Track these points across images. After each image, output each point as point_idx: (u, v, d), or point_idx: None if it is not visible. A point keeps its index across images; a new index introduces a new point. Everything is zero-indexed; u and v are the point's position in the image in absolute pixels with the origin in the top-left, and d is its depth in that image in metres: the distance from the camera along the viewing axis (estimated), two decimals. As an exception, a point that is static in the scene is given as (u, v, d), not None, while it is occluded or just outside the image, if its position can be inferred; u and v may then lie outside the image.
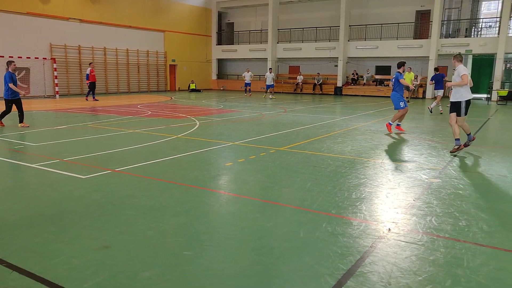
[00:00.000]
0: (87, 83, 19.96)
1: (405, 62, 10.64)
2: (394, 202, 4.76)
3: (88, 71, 19.77)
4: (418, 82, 25.43)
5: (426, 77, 26.06)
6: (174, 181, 5.52)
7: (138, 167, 6.27)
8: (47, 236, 3.65)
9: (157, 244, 3.51)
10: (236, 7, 34.35)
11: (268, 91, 24.72)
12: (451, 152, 7.66)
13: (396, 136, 9.78)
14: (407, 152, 7.83)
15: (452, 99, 7.76)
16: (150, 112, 14.89)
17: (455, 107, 7.65)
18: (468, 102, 7.60)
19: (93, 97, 19.86)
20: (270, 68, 25.33)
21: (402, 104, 10.23)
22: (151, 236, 3.68)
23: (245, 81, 26.31)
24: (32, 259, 3.18)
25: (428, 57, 25.60)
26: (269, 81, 24.09)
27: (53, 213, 4.25)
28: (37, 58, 22.17)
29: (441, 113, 15.77)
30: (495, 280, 2.96)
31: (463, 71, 7.46)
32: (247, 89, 26.39)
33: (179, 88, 32.14)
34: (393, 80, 10.32)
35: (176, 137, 9.17)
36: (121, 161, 6.65)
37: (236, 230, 3.90)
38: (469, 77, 7.60)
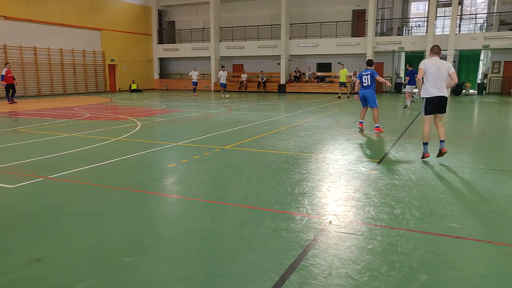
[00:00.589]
0: (3, 84, 18.56)
1: (373, 60, 10.58)
2: (335, 195, 4.91)
3: (3, 72, 18.35)
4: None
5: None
6: (114, 186, 5.31)
7: (74, 172, 5.95)
8: (-29, 252, 3.36)
9: (95, 253, 3.35)
10: (176, 5, 33.74)
11: (223, 90, 23.81)
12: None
13: (337, 131, 10.11)
14: (347, 146, 8.13)
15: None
16: (88, 115, 14.22)
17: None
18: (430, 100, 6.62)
19: (12, 100, 18.65)
20: (223, 66, 23.99)
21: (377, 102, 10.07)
22: (88, 245, 3.51)
23: (193, 81, 25.44)
24: (-48, 279, 2.91)
25: (366, 54, 26.76)
26: (223, 80, 23.15)
27: (-22, 227, 3.92)
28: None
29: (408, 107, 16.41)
30: (425, 262, 3.15)
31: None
32: (194, 88, 25.76)
33: (119, 88, 31.02)
34: (368, 77, 9.87)
35: (116, 140, 8.83)
36: (56, 168, 6.28)
37: (180, 232, 3.83)
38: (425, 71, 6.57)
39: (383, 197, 4.81)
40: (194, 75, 25.41)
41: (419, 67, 6.63)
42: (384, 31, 28.71)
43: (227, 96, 23.04)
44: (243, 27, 30.98)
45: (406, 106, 16.72)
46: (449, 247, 3.46)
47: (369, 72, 9.87)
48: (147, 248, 3.43)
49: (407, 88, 16.93)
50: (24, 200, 4.74)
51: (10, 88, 18.52)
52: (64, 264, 3.16)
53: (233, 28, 31.40)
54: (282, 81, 29.45)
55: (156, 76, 34.47)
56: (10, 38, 23.26)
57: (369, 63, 10.22)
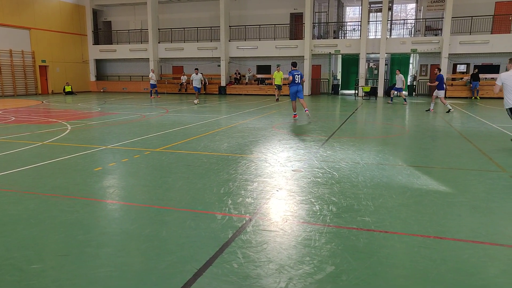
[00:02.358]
0: None
1: (297, 62, 13.68)
2: (260, 194, 5.04)
3: None
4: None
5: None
6: (32, 191, 5.06)
7: (-11, 180, 5.59)
8: None
9: (2, 263, 3.19)
10: (112, 5, 32.64)
11: (197, 94, 21.01)
12: None
13: (271, 132, 10.35)
14: (278, 146, 8.35)
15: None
16: (14, 118, 13.37)
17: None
18: None
19: None
20: (196, 69, 21.17)
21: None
22: (-6, 255, 3.33)
23: (151, 83, 23.93)
24: None
25: (304, 56, 27.57)
26: (197, 83, 20.54)
27: None
28: None
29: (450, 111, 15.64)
30: (335, 255, 3.35)
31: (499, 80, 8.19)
32: (154, 91, 24.28)
33: (52, 91, 29.40)
34: (299, 76, 12.85)
35: (41, 144, 8.39)
36: (-32, 175, 5.85)
37: (96, 236, 3.74)
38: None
39: (305, 194, 5.02)
40: (154, 76, 23.94)
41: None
42: (322, 34, 29.76)
43: (195, 102, 20.53)
44: (182, 29, 30.67)
45: (429, 109, 16.35)
46: (358, 239, 3.69)
47: (299, 73, 12.88)
48: (59, 254, 3.32)
49: (435, 93, 16.11)
50: None
51: None
52: (-37, 276, 2.98)
53: (172, 29, 30.98)
54: (223, 83, 29.51)
55: (92, 78, 33.10)
56: None
57: (295, 64, 13.12)
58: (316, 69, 29.14)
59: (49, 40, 28.77)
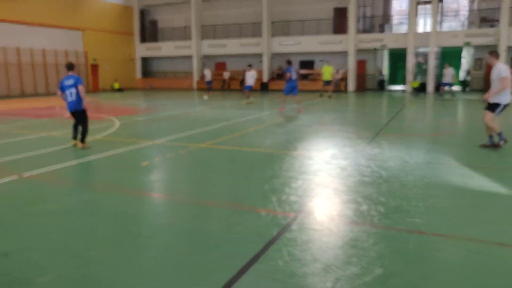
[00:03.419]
0: None
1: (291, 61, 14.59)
2: (304, 191, 4.99)
3: None
4: (340, 76, 26.72)
5: (348, 71, 27.43)
6: (83, 184, 5.30)
7: (47, 171, 5.91)
8: None
9: (60, 248, 3.38)
10: (158, 4, 33.50)
11: (247, 92, 18.56)
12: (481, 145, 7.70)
13: (316, 129, 10.22)
14: (323, 143, 8.22)
15: (492, 100, 7.40)
16: (69, 114, 14.06)
17: (493, 107, 7.40)
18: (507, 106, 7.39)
19: None
20: (250, 65, 18.79)
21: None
22: (54, 241, 3.52)
23: (206, 80, 22.49)
24: None
25: (348, 51, 26.98)
26: (250, 81, 18.11)
27: None
28: None
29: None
30: (383, 256, 3.24)
31: (503, 73, 7.09)
32: (209, 87, 23.12)
33: (102, 88, 30.70)
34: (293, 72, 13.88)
35: (93, 139, 8.77)
36: (30, 166, 6.21)
37: (145, 228, 3.85)
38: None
39: (352, 193, 4.90)
40: (208, 73, 22.60)
41: (504, 75, 7.08)
42: (366, 28, 28.96)
43: (249, 102, 18.18)
44: (225, 25, 30.93)
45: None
46: (408, 241, 3.56)
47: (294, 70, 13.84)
48: (113, 243, 3.46)
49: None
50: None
51: None
52: (28, 259, 3.18)
53: (215, 26, 31.33)
54: (265, 79, 29.51)
55: (139, 75, 34.20)
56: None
57: (290, 62, 14.19)
58: (361, 65, 28.44)
59: (99, 40, 30.04)
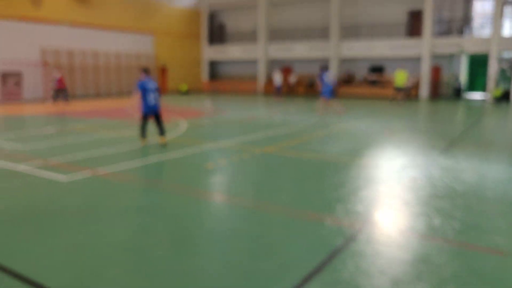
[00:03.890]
0: (57, 88, 19.21)
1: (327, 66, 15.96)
2: (372, 201, 4.80)
3: (55, 77, 19.11)
4: (412, 82, 25.51)
5: (420, 77, 26.14)
6: (155, 184, 5.55)
7: (119, 169, 6.28)
8: (24, 236, 3.69)
9: (128, 245, 3.55)
10: (227, 8, 34.37)
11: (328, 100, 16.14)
12: None
13: (384, 136, 9.83)
14: (392, 152, 7.88)
15: None
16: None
17: None
18: None
19: (53, 100, 19.29)
20: (325, 68, 16.23)
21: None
22: (122, 237, 3.71)
23: (276, 84, 22.40)
24: (8, 258, 3.21)
25: (422, 57, 25.69)
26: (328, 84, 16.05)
27: (31, 214, 4.27)
28: (30, 63, 22.16)
29: None
30: (457, 275, 3.01)
31: None
32: (278, 91, 23.19)
33: (170, 90, 32.14)
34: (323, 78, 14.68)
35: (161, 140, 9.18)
36: (103, 164, 6.65)
37: (207, 231, 3.92)
38: None
39: (423, 206, 4.63)
40: (277, 77, 22.46)
41: None
42: (443, 32, 27.35)
43: (337, 109, 15.76)
44: (293, 29, 30.92)
45: None
46: (486, 261, 3.27)
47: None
48: (177, 244, 3.56)
49: None
50: (72, 192, 5.08)
51: (60, 91, 19.19)
52: (99, 253, 3.38)
53: (283, 30, 31.45)
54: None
55: (205, 78, 35.32)
56: (74, 43, 24.95)
57: (324, 68, 15.07)
58: (435, 70, 26.93)
59: (169, 43, 31.50)
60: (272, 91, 23.61)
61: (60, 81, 19.16)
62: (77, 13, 24.85)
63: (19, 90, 21.95)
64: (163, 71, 31.75)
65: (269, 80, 30.41)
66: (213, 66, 36.15)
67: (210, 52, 34.56)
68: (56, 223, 4.06)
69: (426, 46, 25.47)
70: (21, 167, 6.38)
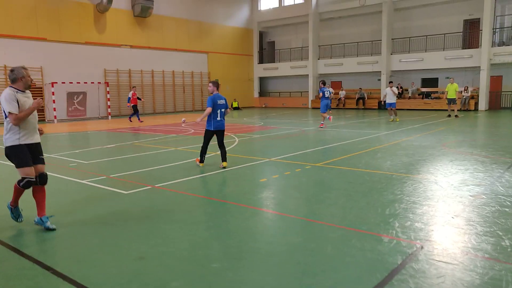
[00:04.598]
0: (128, 106, 20.45)
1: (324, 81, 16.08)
2: (431, 219, 4.59)
3: (130, 95, 20.27)
4: (469, 94, 24.35)
5: (478, 88, 24.90)
6: (209, 197, 5.67)
7: (176, 183, 6.49)
8: (90, 246, 3.89)
9: (188, 256, 3.64)
10: (277, 26, 34.85)
11: (393, 111, 18.11)
12: None
13: (440, 151, 9.41)
14: (450, 167, 7.51)
15: None
16: (193, 131, 15.35)
17: None
18: None
19: (138, 119, 20.20)
20: (390, 82, 18.76)
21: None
22: (183, 249, 3.81)
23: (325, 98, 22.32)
24: (75, 267, 3.41)
25: (479, 67, 24.48)
26: (391, 99, 17.76)
27: (96, 225, 4.51)
28: (93, 82, 23.65)
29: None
30: (534, 302, 2.79)
31: None
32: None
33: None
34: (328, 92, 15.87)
35: (215, 154, 9.38)
36: (162, 178, 6.91)
37: (264, 244, 3.93)
38: None
39: (489, 225, 4.35)
40: (327, 92, 21.92)
41: None
42: (504, 40, 25.90)
43: (396, 120, 18.10)
44: (342, 44, 30.69)
45: None
46: None
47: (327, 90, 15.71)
48: (233, 257, 3.60)
49: None
50: (134, 205, 5.31)
51: (135, 108, 20.26)
52: (161, 263, 3.49)
53: (332, 45, 31.30)
54: (383, 98, 28.29)
55: (256, 94, 35.79)
56: (134, 64, 26.36)
57: (324, 82, 15.93)
58: (495, 81, 25.50)
59: (222, 61, 32.37)
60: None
61: (132, 99, 20.08)
62: (136, 36, 26.35)
63: (83, 108, 23.46)
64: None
65: (318, 95, 30.27)
66: (263, 81, 36.64)
67: (260, 69, 35.13)
68: (120, 234, 4.25)
69: (485, 55, 24.25)
70: (86, 181, 6.77)
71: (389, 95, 17.79)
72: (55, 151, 10.49)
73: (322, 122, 15.53)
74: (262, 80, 36.30)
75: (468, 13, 26.29)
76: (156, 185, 6.32)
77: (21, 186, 4.31)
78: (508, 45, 24.92)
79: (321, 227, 4.39)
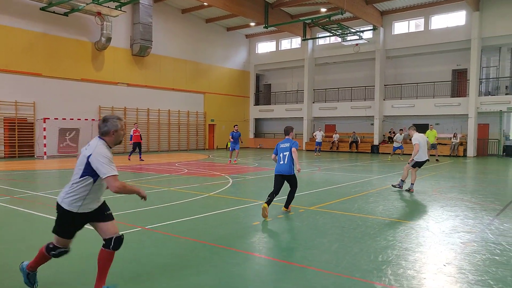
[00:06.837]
0: (131, 143, 20.42)
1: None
2: (423, 266, 4.58)
3: (131, 132, 20.36)
4: (458, 140, 24.86)
5: (466, 135, 25.47)
6: (200, 240, 5.62)
7: (167, 225, 6.45)
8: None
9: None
10: (273, 69, 35.85)
11: (396, 152, 22.43)
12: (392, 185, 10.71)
13: (431, 196, 9.48)
14: (441, 213, 7.56)
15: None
16: (186, 170, 15.35)
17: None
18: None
19: (139, 157, 19.95)
20: (401, 130, 22.99)
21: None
22: (172, 295, 3.75)
23: (317, 140, 25.92)
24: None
25: (467, 114, 25.15)
26: (398, 143, 21.97)
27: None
28: (87, 119, 23.77)
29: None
30: None
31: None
32: (317, 149, 26.05)
33: (217, 146, 33.03)
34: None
35: (208, 195, 9.37)
36: (152, 219, 6.86)
37: (256, 291, 3.89)
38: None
39: (480, 274, 4.36)
40: (319, 135, 25.88)
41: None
42: (490, 90, 26.80)
43: (388, 159, 22.23)
44: (336, 89, 31.50)
45: None
46: None
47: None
48: (224, 304, 3.55)
49: None
50: (123, 247, 5.24)
51: (137, 146, 19.88)
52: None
53: (326, 89, 32.10)
54: (376, 142, 28.74)
55: (251, 135, 36.15)
56: (130, 101, 26.65)
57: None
58: (483, 128, 26.12)
59: (218, 102, 32.91)
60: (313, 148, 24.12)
61: (134, 136, 19.85)
62: (134, 74, 26.81)
63: (76, 144, 23.42)
64: (211, 127, 32.90)
65: (312, 138, 30.76)
66: (259, 123, 37.16)
67: (256, 111, 35.77)
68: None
69: (472, 104, 24.99)
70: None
71: (399, 139, 21.77)
72: (43, 189, 10.40)
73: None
74: (257, 121, 36.82)
75: (456, 63, 27.34)
76: (146, 227, 6.26)
77: (52, 255, 3.64)
78: (494, 95, 25.76)
79: (314, 273, 4.36)
